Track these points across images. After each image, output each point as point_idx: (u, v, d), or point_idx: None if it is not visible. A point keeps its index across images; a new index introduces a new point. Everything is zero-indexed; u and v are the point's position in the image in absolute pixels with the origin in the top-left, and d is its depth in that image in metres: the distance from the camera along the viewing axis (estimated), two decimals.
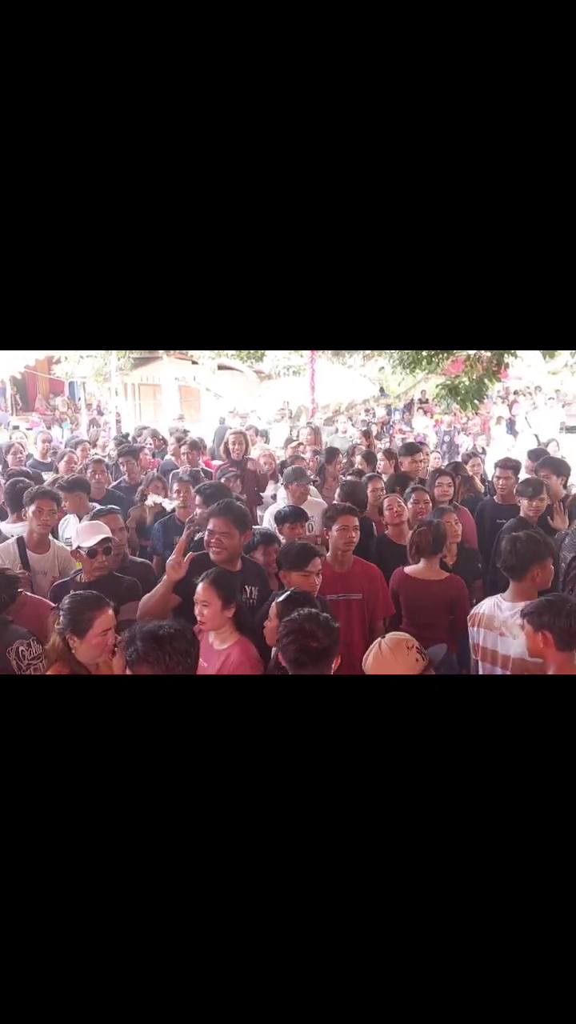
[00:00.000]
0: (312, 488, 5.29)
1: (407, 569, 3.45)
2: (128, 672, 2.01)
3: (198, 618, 2.67)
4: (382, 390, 12.44)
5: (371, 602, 3.28)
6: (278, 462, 6.04)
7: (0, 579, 2.57)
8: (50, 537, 3.72)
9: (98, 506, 4.44)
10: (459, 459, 6.80)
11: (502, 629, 2.69)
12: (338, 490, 4.55)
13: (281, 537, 3.60)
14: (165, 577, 2.80)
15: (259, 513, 5.15)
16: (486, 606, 2.82)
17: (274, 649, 2.45)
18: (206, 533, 2.93)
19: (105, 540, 3.10)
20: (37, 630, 2.58)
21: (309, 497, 4.87)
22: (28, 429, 11.97)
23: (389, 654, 2.12)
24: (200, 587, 2.56)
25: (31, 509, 3.58)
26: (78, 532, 3.29)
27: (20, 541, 3.58)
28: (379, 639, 2.20)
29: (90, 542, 3.07)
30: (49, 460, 6.52)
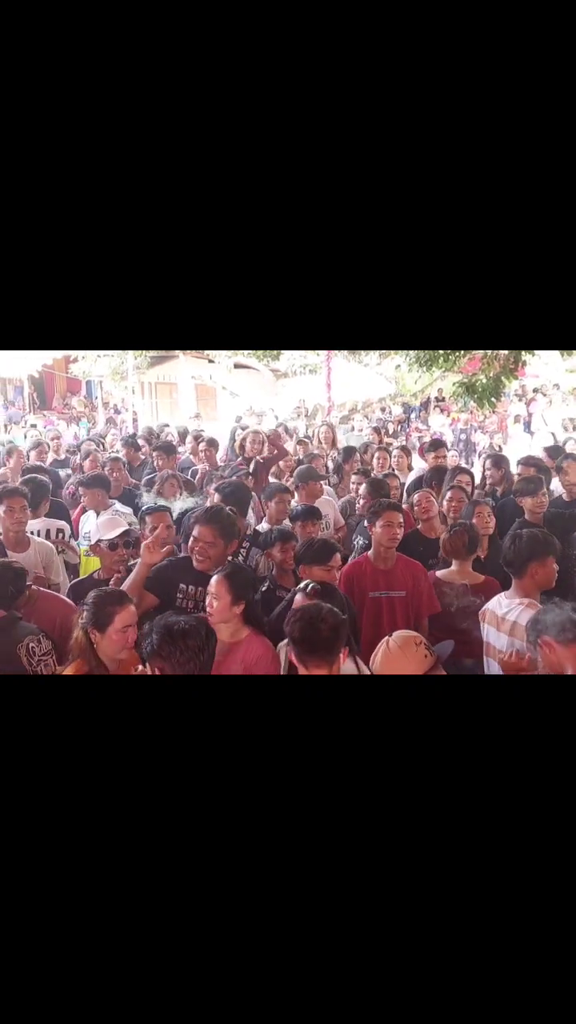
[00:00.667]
0: (328, 487, 5.30)
1: (439, 573, 3.40)
2: (141, 667, 2.02)
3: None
4: (400, 394, 12.39)
5: (415, 600, 3.24)
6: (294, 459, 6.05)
7: (8, 572, 2.56)
8: (28, 534, 3.70)
9: (116, 503, 4.50)
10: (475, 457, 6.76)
11: (499, 624, 2.72)
12: (364, 486, 4.54)
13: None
14: (140, 561, 2.75)
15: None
16: (492, 603, 2.82)
17: (284, 650, 2.47)
18: (191, 539, 2.88)
19: (125, 533, 3.11)
20: (48, 627, 2.58)
21: (324, 496, 4.88)
22: (45, 427, 12.07)
23: (397, 651, 2.10)
24: (214, 580, 2.55)
25: (1, 509, 3.54)
26: (97, 526, 3.30)
27: None
28: (386, 637, 2.19)
29: (110, 535, 3.09)
30: (64, 457, 6.57)
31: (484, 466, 5.16)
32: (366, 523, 3.49)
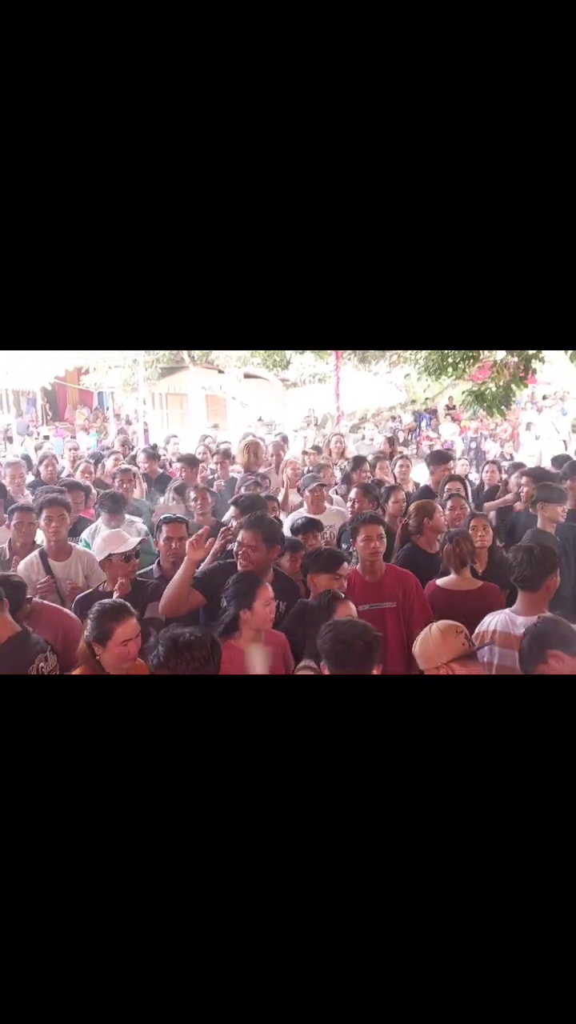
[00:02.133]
0: (337, 496, 5.28)
1: (439, 582, 3.40)
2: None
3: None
4: (413, 401, 12.38)
5: (406, 609, 3.22)
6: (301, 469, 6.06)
7: (6, 585, 2.55)
8: (71, 543, 3.77)
9: (128, 516, 4.52)
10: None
11: (515, 645, 2.61)
12: (355, 492, 4.54)
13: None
14: (186, 558, 2.86)
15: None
16: (496, 622, 2.72)
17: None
18: (236, 544, 2.99)
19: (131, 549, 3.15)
20: (51, 640, 2.59)
21: (333, 506, 4.87)
22: (57, 438, 12.16)
23: (437, 635, 2.19)
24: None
25: (42, 518, 3.65)
26: (104, 541, 3.33)
27: (42, 552, 3.63)
28: (431, 623, 2.26)
29: (122, 549, 3.15)
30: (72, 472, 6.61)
31: (519, 480, 5.06)
32: (350, 536, 3.49)
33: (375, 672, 2.01)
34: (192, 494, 4.72)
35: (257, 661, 2.53)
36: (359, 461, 5.96)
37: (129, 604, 2.46)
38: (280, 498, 4.94)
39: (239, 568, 2.92)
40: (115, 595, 2.98)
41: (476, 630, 2.77)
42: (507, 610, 2.76)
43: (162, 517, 3.68)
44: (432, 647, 2.20)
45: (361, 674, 1.95)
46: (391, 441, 8.00)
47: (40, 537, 3.90)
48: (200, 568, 2.97)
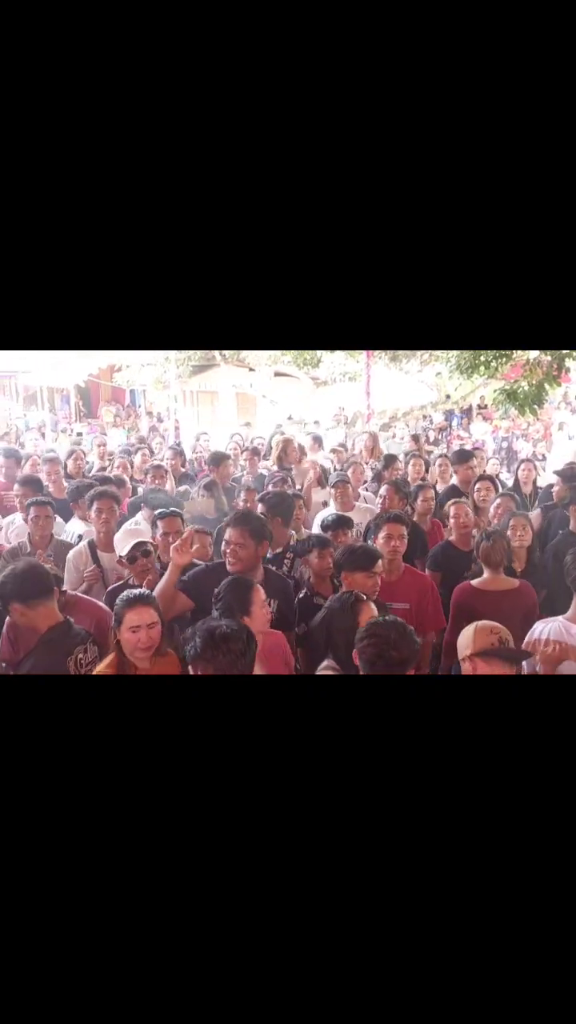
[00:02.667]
0: (368, 494, 5.28)
1: (475, 582, 3.35)
2: (189, 669, 2.06)
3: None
4: (448, 397, 12.28)
5: (419, 613, 3.21)
6: (321, 469, 6.07)
7: (39, 571, 2.58)
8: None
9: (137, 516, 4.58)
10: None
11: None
12: (385, 487, 4.54)
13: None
14: (171, 563, 2.82)
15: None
16: (548, 630, 2.65)
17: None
18: (224, 543, 2.94)
19: (139, 544, 3.20)
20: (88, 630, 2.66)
21: (362, 503, 4.87)
22: (90, 434, 12.31)
23: (471, 629, 2.27)
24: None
25: (92, 511, 3.78)
26: (116, 543, 3.40)
27: (91, 543, 3.74)
28: (476, 622, 2.32)
29: (125, 550, 3.19)
30: (106, 464, 6.71)
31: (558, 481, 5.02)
32: (371, 534, 3.47)
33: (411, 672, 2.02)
34: (242, 494, 4.72)
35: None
36: (391, 459, 5.96)
37: (148, 592, 2.53)
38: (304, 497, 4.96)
39: (228, 567, 2.85)
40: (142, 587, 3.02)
41: (527, 637, 2.70)
42: (560, 617, 2.69)
43: (157, 512, 3.71)
44: (463, 639, 2.27)
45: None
46: (415, 439, 7.97)
47: (78, 528, 3.99)
48: (189, 572, 2.90)
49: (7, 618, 2.81)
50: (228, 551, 2.88)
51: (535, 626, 2.73)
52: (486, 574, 3.33)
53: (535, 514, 4.65)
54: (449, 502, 4.26)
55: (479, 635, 2.23)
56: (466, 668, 2.24)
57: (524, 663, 2.47)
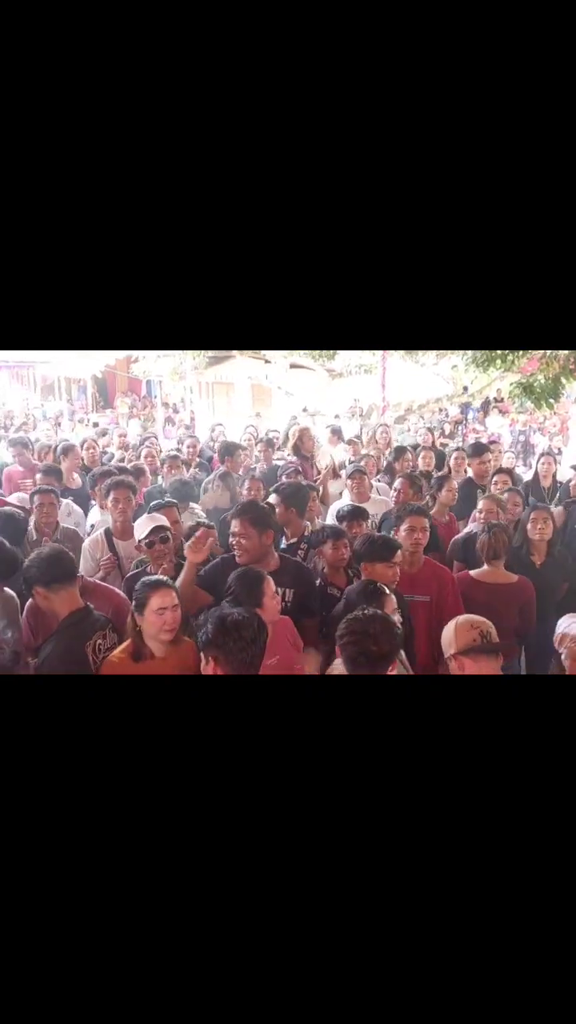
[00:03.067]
0: (382, 486, 5.30)
1: (474, 573, 3.40)
2: (201, 657, 2.10)
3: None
4: (465, 389, 12.23)
5: (439, 605, 3.23)
6: (336, 461, 6.09)
7: (63, 557, 2.61)
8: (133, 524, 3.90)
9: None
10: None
11: None
12: (399, 480, 4.55)
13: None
14: (187, 561, 2.84)
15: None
16: (573, 625, 2.59)
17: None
18: (230, 536, 2.94)
19: (158, 529, 3.22)
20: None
21: (376, 495, 4.89)
22: (110, 425, 12.41)
23: (452, 626, 2.23)
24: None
25: (109, 500, 3.83)
26: (135, 528, 3.44)
27: (107, 531, 3.80)
28: (457, 616, 2.29)
29: (143, 534, 3.23)
30: (122, 455, 6.79)
31: None
32: (393, 525, 3.49)
33: (391, 669, 2.02)
34: (247, 483, 4.76)
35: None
36: (401, 451, 5.97)
37: (168, 579, 2.59)
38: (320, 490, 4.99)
39: (236, 559, 2.86)
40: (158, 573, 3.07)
41: (557, 629, 2.63)
42: None
43: (153, 503, 3.73)
44: (446, 637, 2.23)
45: (377, 672, 1.95)
46: (431, 431, 7.97)
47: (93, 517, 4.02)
48: (204, 568, 2.91)
49: (27, 604, 2.88)
50: (234, 543, 2.89)
51: (561, 621, 2.69)
52: (486, 566, 3.36)
53: (558, 510, 4.63)
54: (482, 496, 4.31)
55: (460, 632, 2.19)
56: (452, 667, 2.20)
57: (551, 659, 2.44)
